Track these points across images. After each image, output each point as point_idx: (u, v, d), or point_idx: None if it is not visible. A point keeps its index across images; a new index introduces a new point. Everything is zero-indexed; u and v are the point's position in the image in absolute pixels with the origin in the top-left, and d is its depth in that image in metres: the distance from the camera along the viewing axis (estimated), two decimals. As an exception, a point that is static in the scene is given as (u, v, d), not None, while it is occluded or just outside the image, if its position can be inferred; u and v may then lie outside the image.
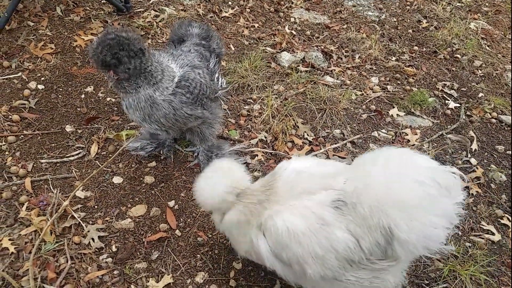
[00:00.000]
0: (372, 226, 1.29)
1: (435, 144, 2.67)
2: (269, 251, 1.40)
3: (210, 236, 1.93)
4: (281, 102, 2.76)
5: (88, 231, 1.85)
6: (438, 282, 1.87)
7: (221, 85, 2.29)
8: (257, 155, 2.38)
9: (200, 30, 2.25)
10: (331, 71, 3.17)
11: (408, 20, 3.97)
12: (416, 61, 3.44)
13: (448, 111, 2.95)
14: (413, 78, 3.23)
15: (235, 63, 3.01)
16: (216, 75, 2.27)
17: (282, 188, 1.44)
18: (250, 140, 2.47)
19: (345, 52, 3.38)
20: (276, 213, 1.37)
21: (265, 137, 2.50)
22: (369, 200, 1.29)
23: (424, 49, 3.60)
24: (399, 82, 3.18)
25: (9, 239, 1.76)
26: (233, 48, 3.23)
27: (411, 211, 1.26)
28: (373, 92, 3.03)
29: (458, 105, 3.02)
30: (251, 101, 2.77)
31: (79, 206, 1.98)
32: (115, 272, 1.74)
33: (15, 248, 1.74)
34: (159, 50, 2.04)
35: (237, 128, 2.56)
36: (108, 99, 2.61)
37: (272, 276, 1.78)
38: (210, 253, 1.87)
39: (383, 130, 2.72)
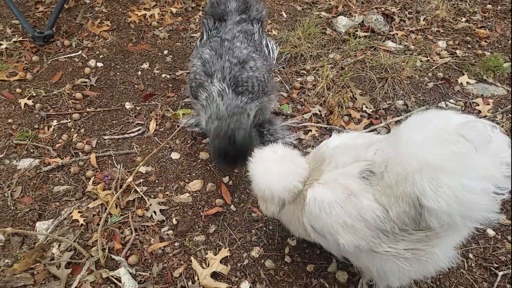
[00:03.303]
0: (398, 195, 1.23)
1: (510, 115, 2.48)
2: (309, 225, 1.43)
3: (265, 211, 2.00)
4: (337, 72, 2.69)
5: (150, 205, 1.99)
6: (509, 266, 1.79)
7: (271, 50, 2.27)
8: (310, 130, 2.37)
9: (237, 3, 2.22)
10: (393, 35, 3.01)
11: (483, -26, 3.63)
12: (489, 22, 3.16)
13: (526, 78, 2.72)
14: (485, 41, 2.98)
15: (287, 32, 2.96)
16: (264, 41, 2.25)
17: (323, 165, 1.45)
18: (303, 114, 2.46)
19: (409, 13, 3.19)
20: (312, 189, 1.40)
21: (319, 111, 2.47)
22: (395, 169, 1.23)
23: (499, 7, 3.29)
24: (470, 46, 2.96)
25: (79, 212, 1.95)
26: (284, 15, 3.17)
27: (437, 175, 1.13)
28: (440, 57, 2.85)
29: (538, 70, 2.76)
30: (305, 72, 2.74)
31: (141, 180, 2.12)
32: (176, 244, 1.86)
33: (84, 220, 1.91)
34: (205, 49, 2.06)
35: (289, 102, 2.55)
36: (163, 75, 2.71)
37: (328, 255, 1.81)
38: (264, 228, 1.93)
39: (451, 100, 2.57)
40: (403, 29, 3.07)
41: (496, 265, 1.79)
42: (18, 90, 2.58)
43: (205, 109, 1.96)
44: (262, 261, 1.81)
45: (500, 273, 1.73)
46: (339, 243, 1.35)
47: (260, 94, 2.01)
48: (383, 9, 3.20)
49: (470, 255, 1.81)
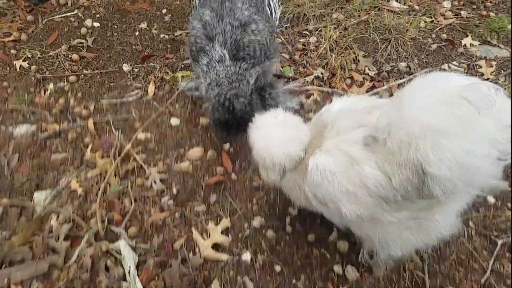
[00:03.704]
0: (401, 162, 1.03)
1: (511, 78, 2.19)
2: (311, 193, 1.24)
3: (266, 179, 1.76)
4: (340, 33, 2.34)
5: (150, 174, 1.75)
6: (508, 234, 1.59)
7: (274, 9, 1.94)
8: (312, 94, 2.07)
9: None
10: (397, -5, 2.62)
11: None
12: (496, -20, 2.75)
13: (531, 39, 2.38)
14: (491, 2, 2.61)
15: (290, -10, 2.57)
16: (266, 0, 1.91)
17: (325, 131, 1.23)
18: (305, 77, 2.15)
19: (414, -29, 2.77)
20: (314, 157, 1.19)
21: (322, 74, 2.16)
22: (398, 134, 1.01)
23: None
24: (475, 7, 2.58)
25: (77, 181, 1.71)
26: (287, -27, 2.74)
27: (438, 140, 0.95)
28: (444, 18, 2.49)
29: (543, 32, 2.42)
30: (307, 33, 2.38)
31: (140, 148, 1.86)
32: (176, 214, 1.64)
33: (82, 190, 1.68)
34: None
35: (291, 64, 2.23)
36: (161, 35, 2.36)
37: (329, 224, 1.59)
38: (265, 198, 1.71)
39: (455, 63, 2.26)
40: (408, -13, 2.67)
41: (496, 234, 1.59)
42: (13, 51, 2.25)
43: (205, 75, 1.69)
44: (263, 231, 1.60)
45: (500, 242, 1.54)
46: (341, 212, 1.16)
47: (262, 58, 1.71)
48: (388, -34, 2.76)
49: (470, 223, 1.61)
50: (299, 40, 2.34)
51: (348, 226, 1.35)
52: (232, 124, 1.63)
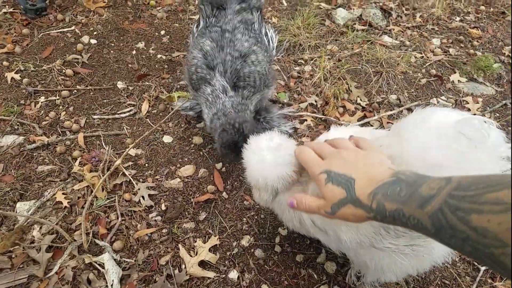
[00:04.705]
0: None
1: (498, 114, 2.35)
2: (309, 220, 1.28)
3: (257, 200, 1.82)
4: (334, 63, 2.51)
5: (139, 189, 1.79)
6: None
7: (271, 39, 2.09)
8: (306, 120, 2.19)
9: None
10: (389, 30, 2.83)
11: (476, -24, 3.47)
12: (482, 23, 3.01)
13: (515, 79, 2.58)
14: (477, 41, 2.84)
15: (287, 20, 2.76)
16: (263, 30, 2.06)
17: None
18: (299, 103, 2.28)
19: (406, 10, 3.01)
20: (313, 183, 1.22)
21: (315, 101, 2.29)
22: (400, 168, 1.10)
23: (492, 9, 3.14)
24: (463, 45, 2.81)
25: (63, 193, 1.74)
26: (285, 3, 2.96)
27: (438, 173, 1.02)
28: (434, 55, 2.69)
29: (526, 72, 2.63)
30: (302, 62, 2.54)
31: (130, 163, 1.91)
32: (164, 230, 1.68)
33: (68, 202, 1.71)
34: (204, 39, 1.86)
35: (286, 90, 2.36)
36: (158, 56, 2.48)
37: (318, 245, 1.66)
38: (256, 217, 1.76)
39: (443, 97, 2.43)
40: (400, 24, 2.90)
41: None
42: (5, 63, 2.32)
43: (209, 105, 1.78)
44: (252, 250, 1.65)
45: (483, 268, 1.62)
46: (341, 240, 1.20)
47: (262, 87, 1.84)
48: (381, 4, 3.01)
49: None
50: (295, 68, 2.49)
51: (345, 252, 1.41)
52: (242, 146, 1.71)
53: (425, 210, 0.73)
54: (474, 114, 2.26)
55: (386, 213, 0.83)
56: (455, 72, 2.59)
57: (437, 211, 0.70)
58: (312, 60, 2.53)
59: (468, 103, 2.40)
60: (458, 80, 2.54)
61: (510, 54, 2.75)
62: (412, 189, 0.79)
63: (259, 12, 2.07)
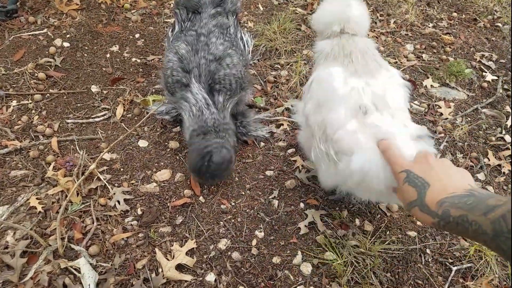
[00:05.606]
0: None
1: (469, 119, 2.53)
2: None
3: (233, 204, 1.91)
4: (309, 68, 2.63)
5: (114, 194, 1.86)
6: (463, 262, 1.81)
7: (246, 43, 2.19)
8: (282, 124, 2.30)
9: None
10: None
11: (449, -17, 3.69)
12: (454, 29, 3.22)
13: (485, 84, 2.77)
14: (450, 47, 3.03)
15: (263, 25, 2.88)
16: (239, 34, 2.16)
17: None
18: (276, 108, 2.39)
19: (380, 16, 3.18)
20: None
21: (292, 106, 2.41)
22: None
23: (464, 16, 3.35)
24: (435, 51, 2.99)
25: (37, 198, 1.78)
26: (261, 8, 3.08)
27: None
28: (407, 60, 2.86)
29: (495, 77, 2.82)
30: (279, 66, 2.66)
31: (105, 168, 1.97)
32: (140, 235, 1.75)
33: (42, 207, 1.75)
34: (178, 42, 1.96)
35: (263, 95, 2.47)
36: (133, 59, 2.55)
37: (294, 246, 1.76)
38: (233, 221, 1.85)
39: (416, 102, 2.59)
40: (374, 30, 3.06)
41: (451, 261, 1.80)
42: (-26, 66, 2.35)
43: (192, 117, 1.87)
44: (229, 253, 1.73)
45: (454, 268, 1.76)
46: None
47: (238, 90, 1.94)
48: (356, 10, 3.16)
49: (428, 251, 1.82)
50: (271, 73, 2.60)
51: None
52: (209, 175, 1.81)
53: (488, 216, 0.84)
54: (446, 119, 2.46)
55: (450, 218, 0.95)
56: (428, 77, 2.76)
57: (499, 217, 0.81)
58: (288, 65, 2.66)
59: (440, 107, 2.57)
60: (431, 85, 2.71)
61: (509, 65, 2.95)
62: (480, 201, 0.91)
63: (234, 17, 2.17)
